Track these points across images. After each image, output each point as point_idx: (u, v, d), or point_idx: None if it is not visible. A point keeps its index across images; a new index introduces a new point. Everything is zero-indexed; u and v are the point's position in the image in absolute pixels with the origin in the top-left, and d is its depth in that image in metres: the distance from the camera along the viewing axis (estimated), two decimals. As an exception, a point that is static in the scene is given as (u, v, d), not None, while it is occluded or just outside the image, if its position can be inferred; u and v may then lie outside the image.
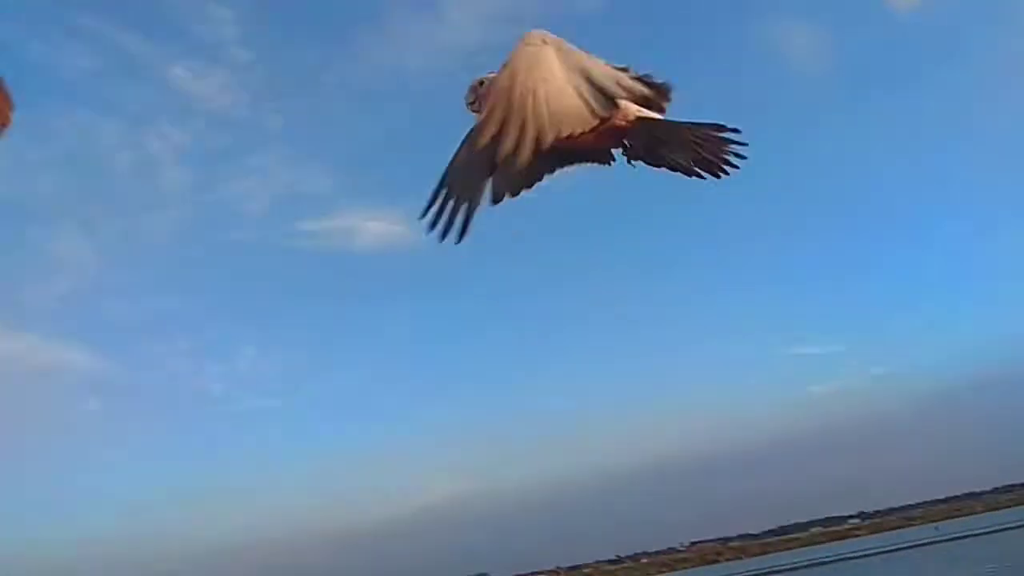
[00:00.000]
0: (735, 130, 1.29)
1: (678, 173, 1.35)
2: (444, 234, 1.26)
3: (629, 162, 1.36)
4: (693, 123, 1.33)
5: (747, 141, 1.30)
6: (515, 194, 1.35)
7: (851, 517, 74.32)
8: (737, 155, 1.31)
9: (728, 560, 61.96)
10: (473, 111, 1.29)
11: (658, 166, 1.36)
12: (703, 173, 1.34)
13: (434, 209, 1.30)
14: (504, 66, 1.17)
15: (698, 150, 1.33)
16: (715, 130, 1.31)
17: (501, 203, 1.31)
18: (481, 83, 1.29)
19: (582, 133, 1.20)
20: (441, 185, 1.32)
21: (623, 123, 1.29)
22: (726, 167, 1.33)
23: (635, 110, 1.29)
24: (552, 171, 1.38)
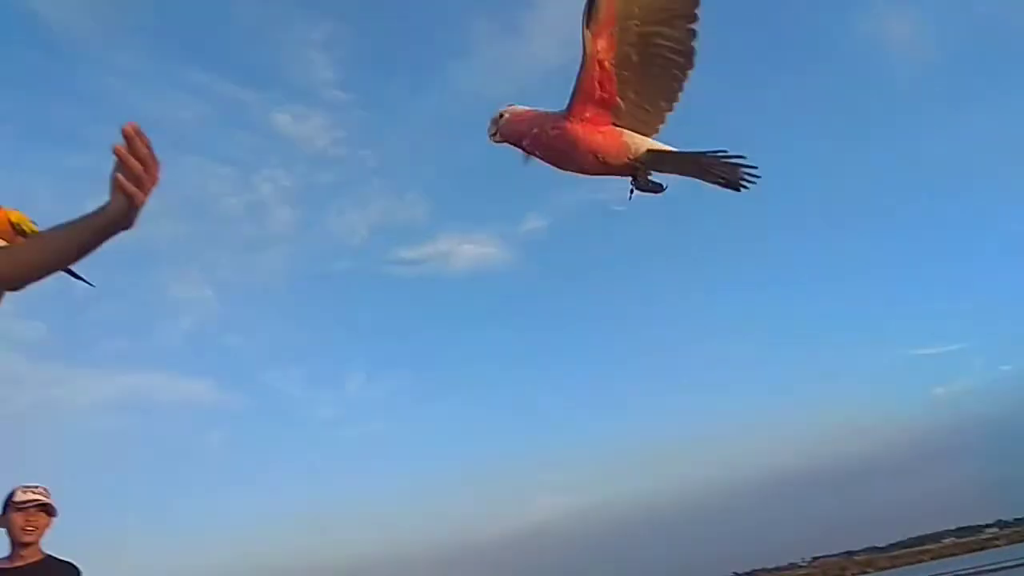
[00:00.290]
0: (742, 157, 1.31)
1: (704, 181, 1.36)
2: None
3: (634, 191, 1.39)
4: (701, 152, 1.35)
5: (757, 166, 1.32)
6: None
7: (988, 526, 70.99)
8: (752, 176, 1.34)
9: (854, 575, 59.26)
10: (495, 142, 1.35)
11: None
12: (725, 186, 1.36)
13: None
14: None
15: (711, 173, 1.35)
16: (724, 157, 1.32)
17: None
18: (501, 115, 1.36)
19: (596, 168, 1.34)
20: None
21: (631, 158, 1.34)
22: (743, 183, 1.35)
23: (640, 144, 1.33)
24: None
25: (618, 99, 1.30)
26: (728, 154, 1.31)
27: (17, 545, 2.97)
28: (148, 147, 1.12)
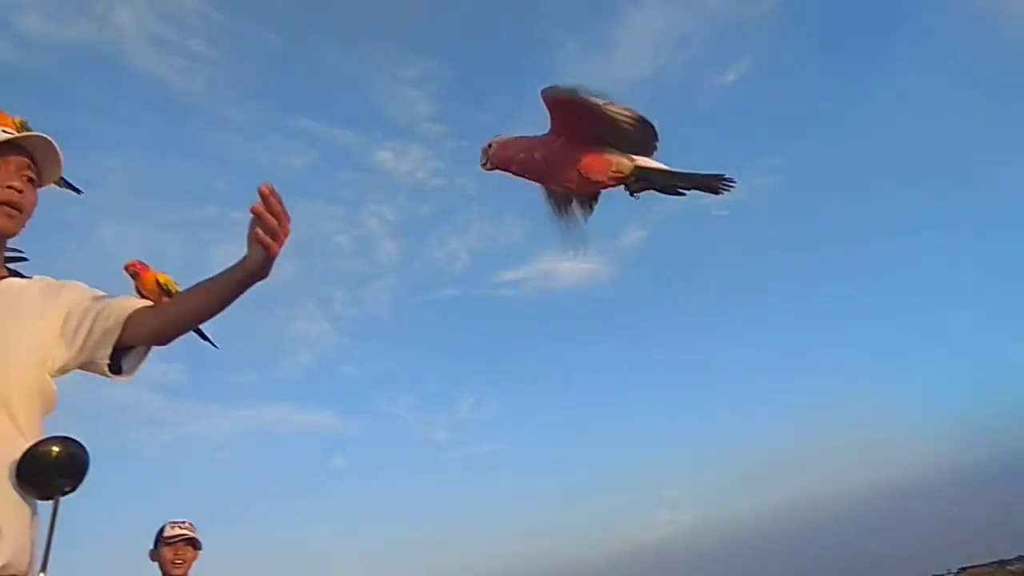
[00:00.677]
0: (731, 179, 1.39)
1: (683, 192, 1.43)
2: (575, 245, 1.54)
3: (632, 195, 1.46)
4: (688, 173, 1.42)
5: (735, 180, 1.39)
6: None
7: None
8: (728, 186, 1.41)
9: (1007, 587, 50.56)
10: (487, 170, 1.43)
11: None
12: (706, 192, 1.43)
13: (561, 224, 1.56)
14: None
15: (693, 186, 1.43)
16: (711, 180, 1.40)
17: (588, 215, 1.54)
18: (490, 146, 1.42)
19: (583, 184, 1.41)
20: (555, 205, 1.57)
21: (615, 174, 1.40)
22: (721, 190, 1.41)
23: (623, 160, 1.39)
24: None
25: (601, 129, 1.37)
26: (712, 175, 1.40)
27: None
28: (281, 204, 1.24)
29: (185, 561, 3.16)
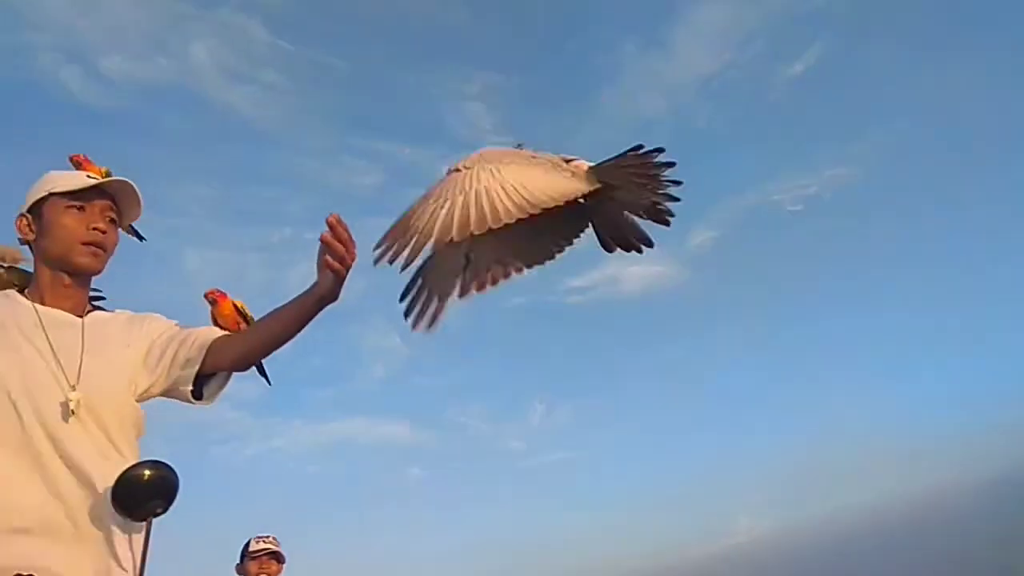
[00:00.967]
0: (659, 150, 1.47)
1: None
2: (416, 323, 1.58)
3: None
4: (621, 156, 1.49)
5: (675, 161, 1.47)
6: (480, 289, 1.61)
7: None
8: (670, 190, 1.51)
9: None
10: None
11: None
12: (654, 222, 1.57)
13: (409, 300, 1.60)
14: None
15: (643, 189, 1.51)
16: (640, 156, 1.47)
17: (467, 298, 1.59)
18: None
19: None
20: (415, 279, 1.62)
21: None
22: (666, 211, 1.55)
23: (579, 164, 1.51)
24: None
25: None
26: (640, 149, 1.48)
27: None
28: (347, 232, 1.36)
29: (270, 574, 3.25)
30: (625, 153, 1.51)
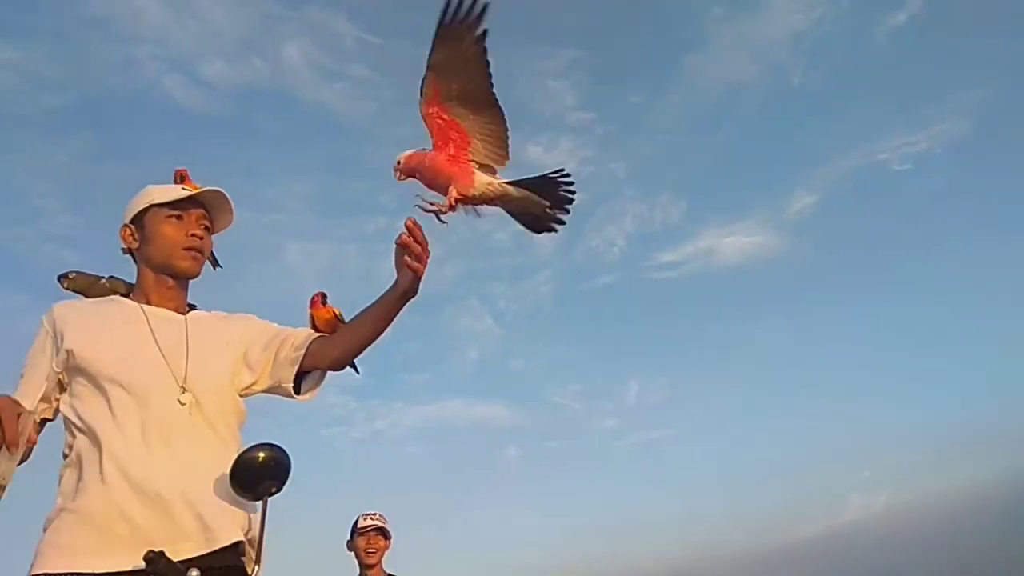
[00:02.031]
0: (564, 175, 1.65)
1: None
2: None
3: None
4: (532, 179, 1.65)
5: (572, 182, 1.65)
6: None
7: None
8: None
9: None
10: (399, 180, 1.63)
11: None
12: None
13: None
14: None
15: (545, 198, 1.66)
16: (552, 179, 1.65)
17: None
18: (399, 161, 1.62)
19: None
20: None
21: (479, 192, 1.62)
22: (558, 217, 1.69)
23: (486, 178, 1.63)
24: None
25: (470, 138, 1.61)
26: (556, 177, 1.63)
27: (363, 567, 3.39)
28: (422, 233, 1.49)
29: (377, 550, 3.40)
30: (543, 176, 1.65)
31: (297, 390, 1.64)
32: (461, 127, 1.62)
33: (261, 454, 1.38)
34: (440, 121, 1.60)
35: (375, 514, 3.49)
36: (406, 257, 1.49)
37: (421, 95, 1.59)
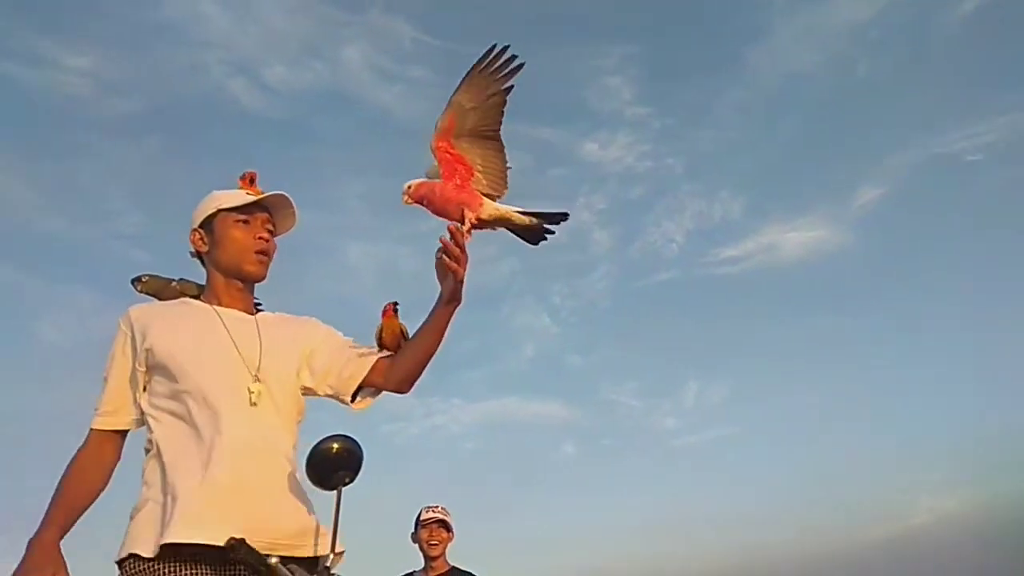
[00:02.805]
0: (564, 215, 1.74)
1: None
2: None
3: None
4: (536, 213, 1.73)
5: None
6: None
7: None
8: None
9: None
10: (408, 204, 1.68)
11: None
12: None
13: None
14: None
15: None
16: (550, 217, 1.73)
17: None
18: (408, 187, 1.68)
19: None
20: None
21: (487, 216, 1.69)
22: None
23: (493, 204, 1.70)
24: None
25: (473, 170, 1.68)
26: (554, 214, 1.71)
27: (427, 558, 3.44)
28: (463, 238, 1.54)
29: (440, 542, 3.44)
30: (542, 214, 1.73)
31: (352, 397, 1.67)
32: (466, 160, 1.69)
33: (335, 445, 1.41)
34: (448, 155, 1.67)
35: (437, 507, 3.53)
36: (444, 258, 1.51)
37: (436, 128, 1.65)
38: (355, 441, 1.43)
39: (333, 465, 1.41)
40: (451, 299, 1.57)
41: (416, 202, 1.68)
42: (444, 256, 1.51)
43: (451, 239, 1.51)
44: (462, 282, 1.54)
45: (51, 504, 1.43)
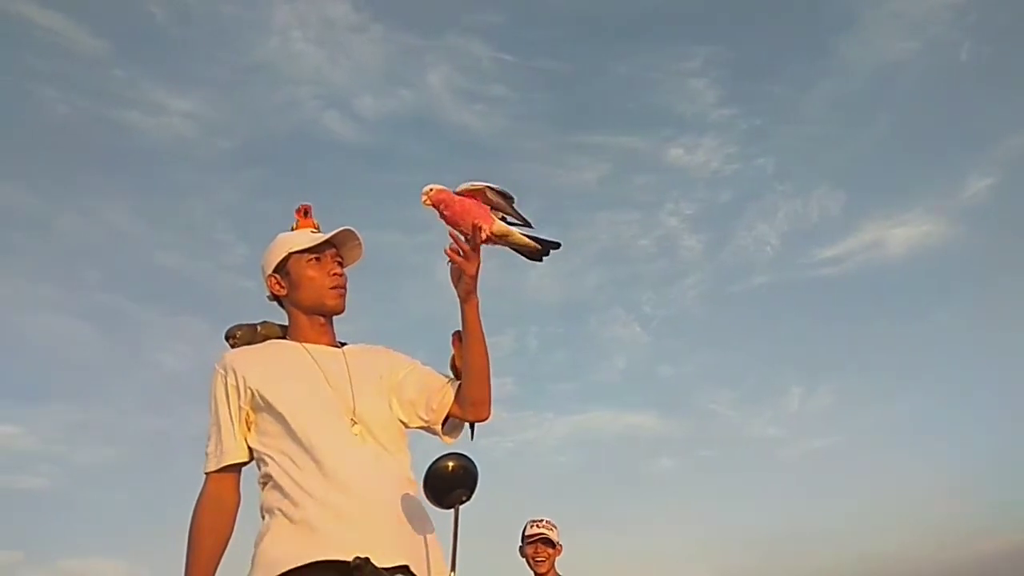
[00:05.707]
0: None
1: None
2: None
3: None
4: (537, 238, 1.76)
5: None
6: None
7: None
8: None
9: None
10: (425, 206, 1.67)
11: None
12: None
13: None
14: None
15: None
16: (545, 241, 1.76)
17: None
18: (430, 189, 1.67)
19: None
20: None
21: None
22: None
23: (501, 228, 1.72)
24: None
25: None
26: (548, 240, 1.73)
27: (536, 574, 3.42)
28: (479, 237, 1.54)
29: (546, 558, 3.41)
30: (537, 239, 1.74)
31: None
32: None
33: (451, 463, 1.43)
34: (445, 212, 1.68)
35: (542, 520, 3.50)
36: (454, 256, 1.52)
37: (448, 191, 1.68)
38: (470, 459, 1.44)
39: (449, 484, 1.42)
40: (466, 297, 1.56)
41: (433, 205, 1.69)
42: (454, 254, 1.52)
43: (467, 240, 1.53)
44: (474, 278, 1.54)
45: (188, 563, 1.48)
